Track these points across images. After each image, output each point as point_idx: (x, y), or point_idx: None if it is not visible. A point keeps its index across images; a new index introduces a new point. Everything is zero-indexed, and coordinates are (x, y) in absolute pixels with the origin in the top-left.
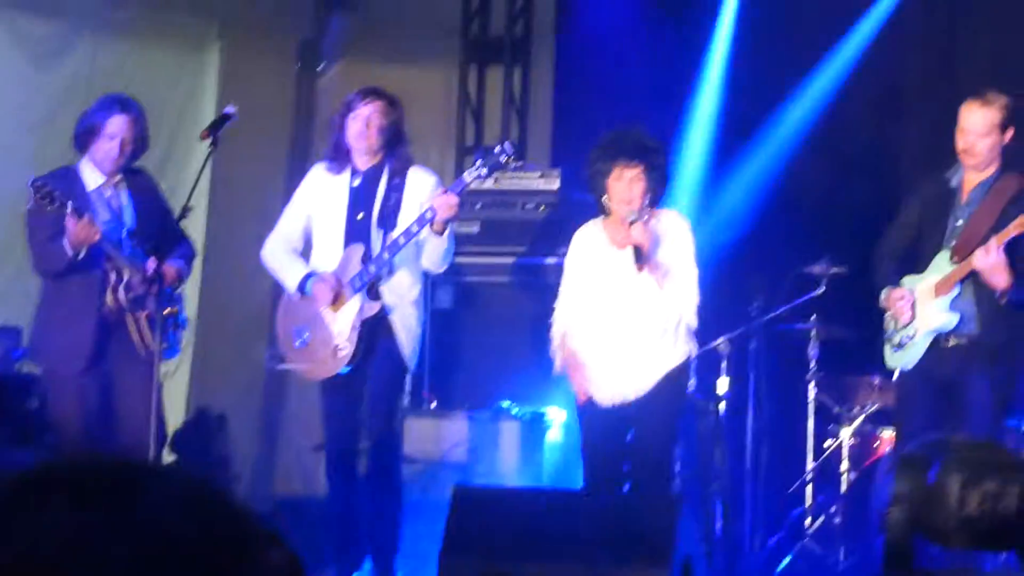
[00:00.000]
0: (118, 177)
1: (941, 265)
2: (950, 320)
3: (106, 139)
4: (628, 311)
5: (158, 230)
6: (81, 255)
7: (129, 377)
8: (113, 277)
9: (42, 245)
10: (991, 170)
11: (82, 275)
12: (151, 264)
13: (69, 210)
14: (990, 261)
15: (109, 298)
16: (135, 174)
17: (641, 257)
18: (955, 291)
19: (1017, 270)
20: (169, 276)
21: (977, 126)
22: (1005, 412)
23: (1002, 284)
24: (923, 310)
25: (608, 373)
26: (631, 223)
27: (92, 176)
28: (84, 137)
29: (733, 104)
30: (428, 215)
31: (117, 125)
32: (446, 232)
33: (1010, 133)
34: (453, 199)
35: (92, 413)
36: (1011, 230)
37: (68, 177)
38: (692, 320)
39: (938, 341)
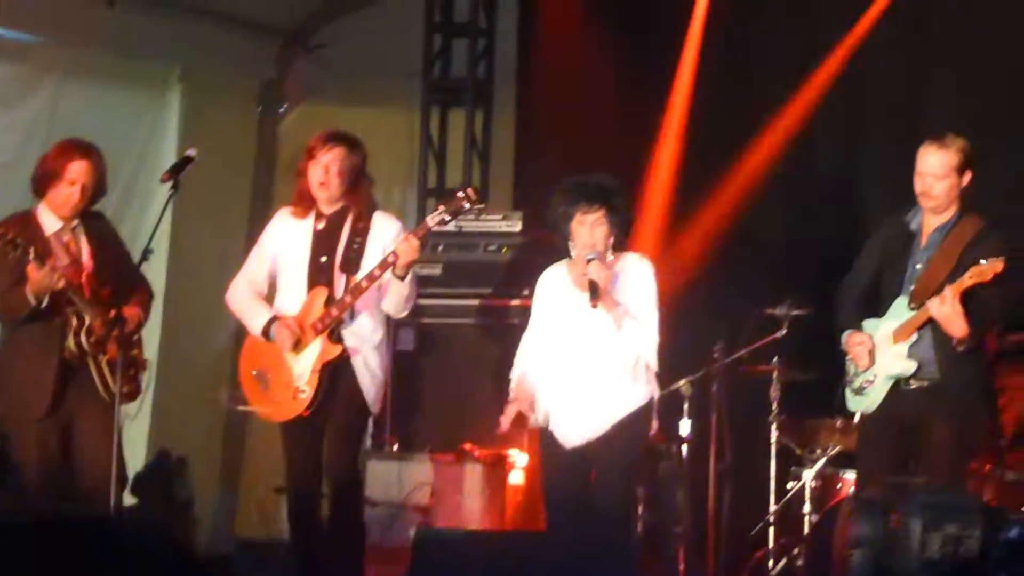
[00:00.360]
0: (75, 221)
1: (900, 311)
2: (908, 367)
3: (66, 184)
4: (588, 351)
5: (116, 273)
6: (44, 303)
7: (91, 420)
8: (75, 321)
9: (3, 292)
10: (950, 213)
11: (43, 320)
12: (113, 308)
13: (31, 257)
14: (945, 311)
15: (71, 342)
16: (92, 218)
17: (596, 293)
18: (914, 338)
19: (973, 317)
20: (132, 319)
21: (934, 168)
22: (967, 455)
23: (958, 333)
24: (882, 356)
25: (569, 413)
26: (588, 260)
27: (50, 221)
28: (42, 182)
29: (695, 147)
30: (391, 259)
31: (77, 171)
32: (408, 277)
33: (968, 176)
34: (415, 243)
35: (53, 456)
36: (965, 281)
37: (27, 222)
38: (652, 360)
39: (898, 384)
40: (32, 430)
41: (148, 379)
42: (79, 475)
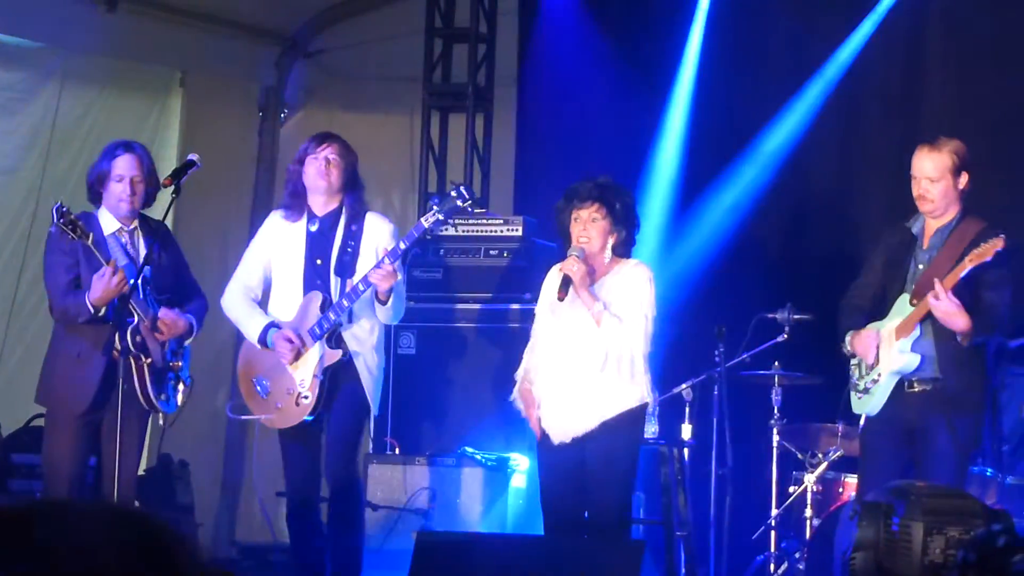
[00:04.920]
0: (134, 223)
1: (902, 308)
2: (911, 361)
3: (115, 180)
4: (570, 347)
5: (174, 280)
6: (102, 312)
7: (120, 423)
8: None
9: (64, 294)
10: (950, 215)
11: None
12: (157, 313)
13: (90, 242)
14: (942, 306)
15: (118, 341)
16: (153, 223)
17: (564, 286)
18: (916, 332)
19: (977, 316)
20: (167, 328)
21: (928, 172)
22: (968, 458)
23: (960, 327)
24: (885, 353)
25: (556, 410)
26: (569, 255)
27: (108, 221)
28: (96, 185)
29: (695, 152)
30: (372, 278)
31: (123, 165)
32: (389, 300)
33: (965, 178)
34: (388, 268)
35: (83, 455)
36: (966, 264)
37: (87, 220)
38: (638, 361)
39: (902, 386)
40: (70, 426)
41: (186, 395)
42: (98, 477)
